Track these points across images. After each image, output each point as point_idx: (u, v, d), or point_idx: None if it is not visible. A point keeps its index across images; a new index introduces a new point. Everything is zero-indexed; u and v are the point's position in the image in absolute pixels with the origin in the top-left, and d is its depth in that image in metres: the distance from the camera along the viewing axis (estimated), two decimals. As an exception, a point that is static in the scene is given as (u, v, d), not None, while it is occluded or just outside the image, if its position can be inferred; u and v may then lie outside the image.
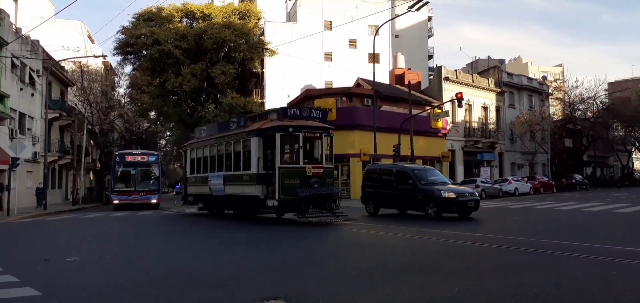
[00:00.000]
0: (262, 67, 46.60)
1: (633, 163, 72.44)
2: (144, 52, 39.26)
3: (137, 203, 26.05)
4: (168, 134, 60.69)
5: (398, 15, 41.92)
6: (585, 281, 6.42)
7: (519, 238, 10.97)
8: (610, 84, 62.50)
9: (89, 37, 55.64)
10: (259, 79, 48.06)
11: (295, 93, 42.36)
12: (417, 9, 23.78)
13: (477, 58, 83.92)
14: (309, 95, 34.79)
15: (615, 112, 53.36)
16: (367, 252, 9.84)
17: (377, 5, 39.38)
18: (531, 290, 5.84)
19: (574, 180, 45.02)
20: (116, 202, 25.76)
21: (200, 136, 21.02)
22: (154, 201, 26.07)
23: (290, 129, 15.69)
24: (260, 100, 45.41)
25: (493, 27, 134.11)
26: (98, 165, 45.99)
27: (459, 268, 7.56)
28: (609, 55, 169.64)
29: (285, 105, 37.31)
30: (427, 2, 23.56)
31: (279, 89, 44.79)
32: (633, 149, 62.65)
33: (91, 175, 47.14)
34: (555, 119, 53.86)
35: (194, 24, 41.21)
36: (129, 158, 26.49)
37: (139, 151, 30.18)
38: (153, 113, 45.95)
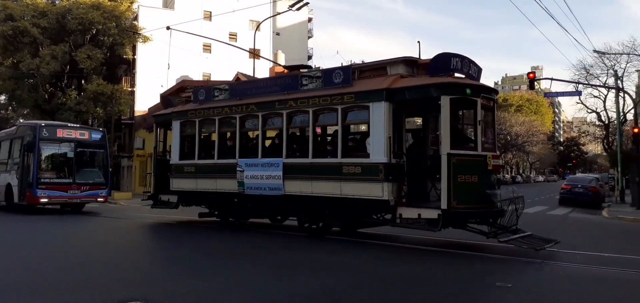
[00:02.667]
0: (134, 54, 43.91)
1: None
2: (-6, 28, 34.55)
3: (76, 203, 16.81)
4: (21, 121, 50.10)
5: (279, 13, 40.17)
6: None
7: None
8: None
9: None
10: (130, 66, 45.41)
11: (169, 83, 38.05)
12: (298, 9, 23.54)
13: (352, 61, 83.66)
14: (185, 87, 29.73)
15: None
16: None
17: (259, 0, 38.74)
18: None
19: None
20: (44, 200, 16.09)
21: (208, 99, 13.11)
22: (100, 199, 16.99)
23: (468, 90, 9.24)
24: (130, 89, 43.39)
25: (368, 34, 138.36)
26: None
27: None
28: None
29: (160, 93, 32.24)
30: (307, 3, 23.72)
31: (152, 78, 41.81)
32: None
33: None
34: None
35: (57, 1, 37.69)
36: (61, 133, 16.81)
37: (77, 125, 20.38)
38: (3, 97, 43.05)
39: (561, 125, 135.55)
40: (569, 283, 6.82)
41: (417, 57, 9.91)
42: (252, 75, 28.04)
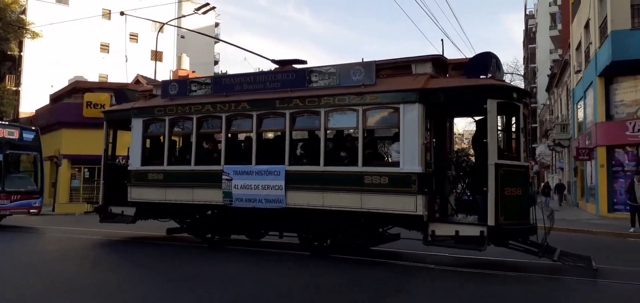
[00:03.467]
0: (21, 50, 40.93)
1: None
2: None
3: (4, 215, 13.38)
4: None
5: (184, 16, 38.87)
6: None
7: None
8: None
9: None
10: (15, 63, 42.30)
11: (61, 83, 35.96)
12: (204, 12, 22.98)
13: (260, 69, 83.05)
14: (78, 88, 28.73)
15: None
16: None
17: (163, 0, 38.13)
18: None
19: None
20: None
21: (182, 94, 11.08)
22: (34, 210, 13.67)
23: (515, 95, 8.42)
24: (14, 88, 40.12)
25: (276, 42, 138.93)
26: None
27: None
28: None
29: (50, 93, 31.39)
30: (214, 8, 23.43)
31: (41, 77, 39.74)
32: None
33: None
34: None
35: None
36: (-18, 129, 13.34)
37: (5, 122, 16.46)
38: None
39: (453, 137, 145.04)
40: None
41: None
42: (153, 78, 26.29)
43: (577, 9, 26.21)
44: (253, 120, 10.03)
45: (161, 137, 11.37)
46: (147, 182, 11.22)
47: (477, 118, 9.76)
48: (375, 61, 9.19)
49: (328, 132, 9.48)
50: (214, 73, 61.96)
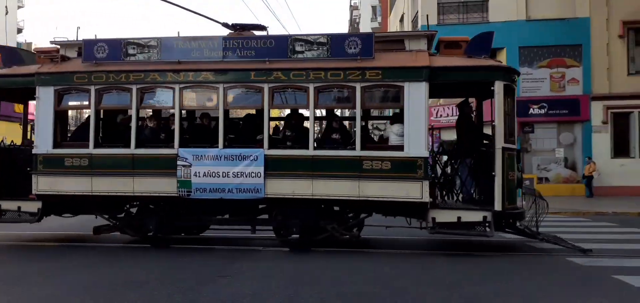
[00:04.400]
0: None
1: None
2: None
3: None
4: None
5: None
6: None
7: None
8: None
9: None
10: None
11: None
12: None
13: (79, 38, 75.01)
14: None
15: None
16: None
17: None
18: None
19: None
20: None
21: (115, 57, 8.61)
22: None
23: (516, 76, 8.33)
24: None
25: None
26: None
27: None
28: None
29: None
30: None
31: None
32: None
33: None
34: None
35: None
36: None
37: None
38: None
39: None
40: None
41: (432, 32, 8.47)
42: None
43: (394, 2, 28.95)
44: (219, 94, 8.35)
45: (81, 111, 8.90)
46: (64, 169, 8.68)
47: (459, 101, 9.60)
48: (373, 33, 8.31)
49: (317, 111, 8.36)
50: (17, 42, 52.41)
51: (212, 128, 8.93)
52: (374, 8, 50.46)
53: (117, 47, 8.73)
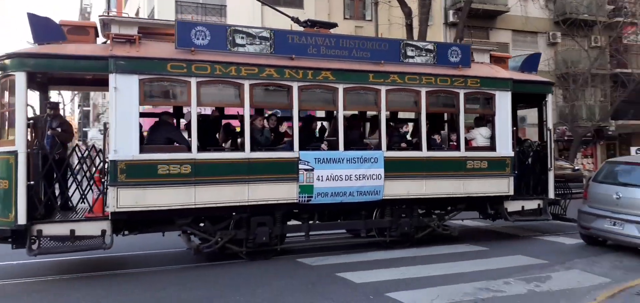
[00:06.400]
0: None
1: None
2: None
3: None
4: None
5: None
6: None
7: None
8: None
9: None
10: None
11: None
12: None
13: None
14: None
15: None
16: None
17: None
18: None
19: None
20: None
21: (220, 46, 7.24)
22: None
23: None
24: None
25: None
26: None
27: None
28: None
29: None
30: None
31: None
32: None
33: None
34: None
35: None
36: None
37: None
38: None
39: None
40: None
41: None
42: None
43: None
44: (339, 95, 8.04)
45: (179, 108, 7.31)
46: (157, 179, 7.02)
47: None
48: (469, 45, 9.21)
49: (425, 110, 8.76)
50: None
51: (315, 129, 8.47)
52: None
53: (221, 35, 7.46)
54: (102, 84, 7.46)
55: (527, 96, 10.22)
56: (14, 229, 6.58)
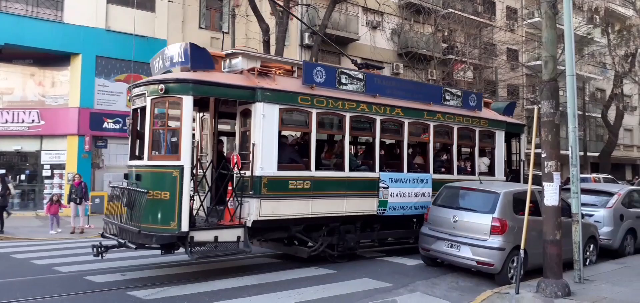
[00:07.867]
0: None
1: None
2: None
3: None
4: None
5: None
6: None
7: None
8: None
9: None
10: None
11: None
12: None
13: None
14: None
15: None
16: None
17: None
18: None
19: None
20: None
21: (330, 85, 8.85)
22: None
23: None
24: None
25: None
26: None
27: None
28: None
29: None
30: None
31: None
32: None
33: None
34: None
35: None
36: None
37: None
38: None
39: None
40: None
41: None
42: None
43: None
44: (404, 128, 10.13)
45: (301, 134, 8.69)
46: (288, 193, 8.38)
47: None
48: (481, 93, 11.93)
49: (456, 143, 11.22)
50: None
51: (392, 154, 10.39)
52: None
53: (332, 74, 9.08)
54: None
55: (507, 133, 13.37)
56: (178, 236, 7.41)
